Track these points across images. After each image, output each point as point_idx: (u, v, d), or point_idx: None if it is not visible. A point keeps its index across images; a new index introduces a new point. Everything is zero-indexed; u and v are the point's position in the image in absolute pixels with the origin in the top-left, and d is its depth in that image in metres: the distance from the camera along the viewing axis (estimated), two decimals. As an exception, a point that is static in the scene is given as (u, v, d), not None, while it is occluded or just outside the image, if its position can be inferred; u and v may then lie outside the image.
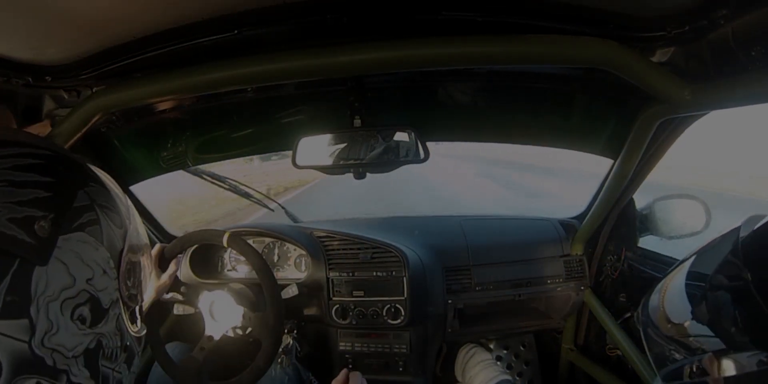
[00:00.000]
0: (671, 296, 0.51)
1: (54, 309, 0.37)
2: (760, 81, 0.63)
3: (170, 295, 1.45)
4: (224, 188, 1.61)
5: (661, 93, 0.76)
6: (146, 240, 0.57)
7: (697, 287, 0.48)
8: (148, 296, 1.19)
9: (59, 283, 0.37)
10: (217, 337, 1.13)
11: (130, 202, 0.53)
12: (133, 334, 0.49)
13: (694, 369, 0.46)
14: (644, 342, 0.59)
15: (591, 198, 1.47)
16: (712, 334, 0.43)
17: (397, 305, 1.35)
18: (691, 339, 0.47)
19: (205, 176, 1.56)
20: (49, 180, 0.40)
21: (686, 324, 0.47)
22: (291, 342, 1.39)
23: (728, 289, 0.43)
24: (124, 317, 0.46)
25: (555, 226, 1.58)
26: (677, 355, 0.49)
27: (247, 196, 1.70)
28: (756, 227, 0.45)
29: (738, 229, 0.46)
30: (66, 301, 0.38)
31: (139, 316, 0.52)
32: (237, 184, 1.66)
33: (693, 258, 0.51)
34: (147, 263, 0.55)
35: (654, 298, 0.56)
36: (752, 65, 0.66)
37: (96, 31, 0.72)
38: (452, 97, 1.21)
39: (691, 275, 0.49)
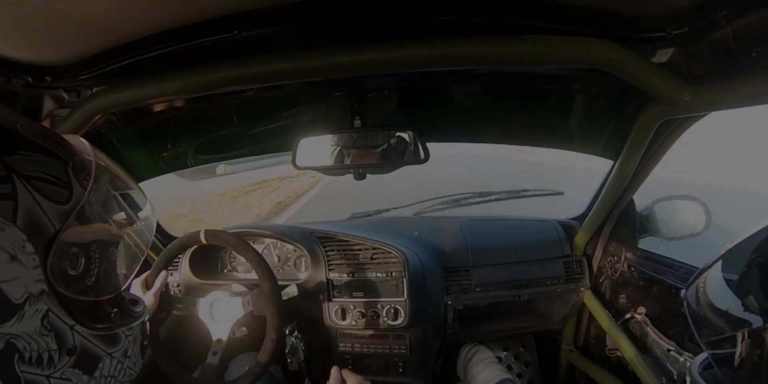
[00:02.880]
0: (718, 274, 0.59)
1: None
2: (761, 82, 0.63)
3: (169, 291, 1.45)
4: None
5: (661, 94, 0.76)
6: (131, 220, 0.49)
7: (737, 267, 0.56)
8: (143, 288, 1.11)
9: None
10: (225, 339, 1.13)
11: (111, 178, 0.46)
12: (89, 332, 0.41)
13: (745, 337, 0.52)
14: (689, 317, 0.66)
15: (591, 199, 1.47)
16: (749, 304, 0.51)
17: (397, 306, 1.34)
18: (734, 311, 0.54)
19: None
20: None
21: (731, 297, 0.55)
22: (294, 342, 1.39)
23: (759, 264, 0.52)
24: (60, 314, 0.39)
25: (555, 227, 1.58)
26: (722, 326, 0.56)
27: None
28: None
29: None
30: None
31: (114, 309, 0.44)
32: None
33: (729, 250, 0.59)
34: (127, 247, 0.47)
35: (702, 277, 0.62)
36: (752, 66, 0.66)
37: (96, 31, 0.72)
38: (452, 98, 1.21)
39: (731, 258, 0.58)
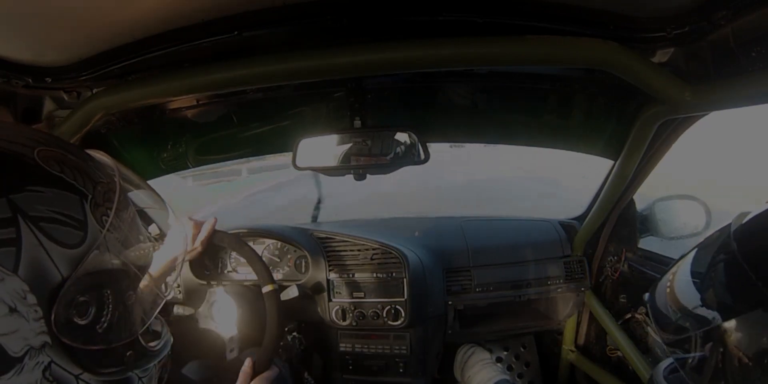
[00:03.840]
0: (681, 275, 0.60)
1: None
2: (761, 82, 0.63)
3: (170, 295, 1.45)
4: None
5: (662, 94, 0.76)
6: (150, 258, 0.45)
7: (700, 265, 0.57)
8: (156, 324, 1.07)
9: None
10: (235, 335, 1.12)
11: (134, 211, 0.43)
12: (97, 378, 0.39)
13: (705, 336, 0.52)
14: (652, 319, 0.66)
15: (591, 199, 1.47)
16: (712, 302, 0.51)
17: (397, 306, 1.34)
18: (696, 309, 0.54)
19: None
20: None
21: (692, 296, 0.55)
22: (290, 340, 1.39)
23: (722, 261, 0.53)
24: (65, 364, 0.36)
25: (555, 227, 1.58)
26: (685, 326, 0.56)
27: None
28: (748, 217, 0.53)
29: (731, 222, 0.55)
30: None
31: (128, 352, 0.41)
32: None
33: (697, 246, 0.60)
34: (149, 287, 0.44)
35: (665, 279, 0.63)
36: (752, 66, 0.66)
37: (96, 32, 0.72)
38: (452, 99, 1.21)
39: (696, 256, 0.59)
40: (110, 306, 0.39)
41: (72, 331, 0.36)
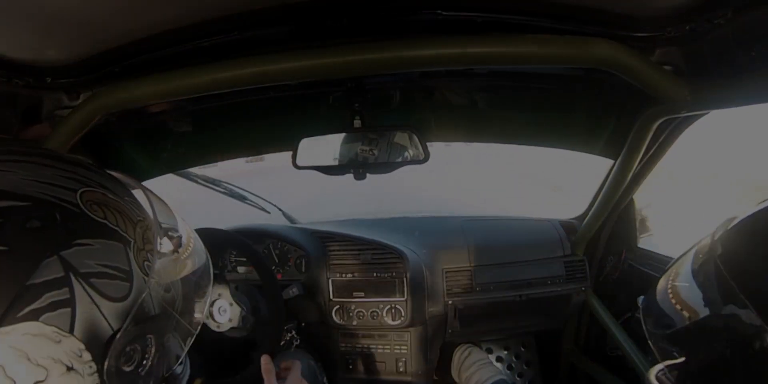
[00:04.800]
0: (679, 280, 0.61)
1: None
2: (761, 82, 0.63)
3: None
4: (219, 191, 1.60)
5: (661, 93, 0.76)
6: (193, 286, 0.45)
7: (687, 270, 0.58)
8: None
9: None
10: (238, 324, 1.14)
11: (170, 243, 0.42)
12: None
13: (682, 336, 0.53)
14: (643, 321, 0.68)
15: (591, 198, 1.47)
16: (695, 304, 0.52)
17: (398, 306, 1.35)
18: (686, 310, 0.55)
19: (199, 180, 1.55)
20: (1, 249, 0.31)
21: (685, 298, 0.56)
22: (289, 339, 1.39)
23: (705, 265, 0.54)
24: None
25: (555, 227, 1.58)
26: (669, 326, 0.58)
27: (242, 199, 1.67)
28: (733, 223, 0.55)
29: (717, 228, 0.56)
30: None
31: None
32: (232, 186, 1.65)
33: (688, 250, 0.61)
34: (184, 325, 0.44)
35: (661, 283, 0.64)
36: (752, 65, 0.66)
37: (96, 32, 0.72)
38: (453, 98, 1.21)
39: (684, 261, 0.60)
40: (152, 349, 0.39)
41: (119, 378, 0.36)
